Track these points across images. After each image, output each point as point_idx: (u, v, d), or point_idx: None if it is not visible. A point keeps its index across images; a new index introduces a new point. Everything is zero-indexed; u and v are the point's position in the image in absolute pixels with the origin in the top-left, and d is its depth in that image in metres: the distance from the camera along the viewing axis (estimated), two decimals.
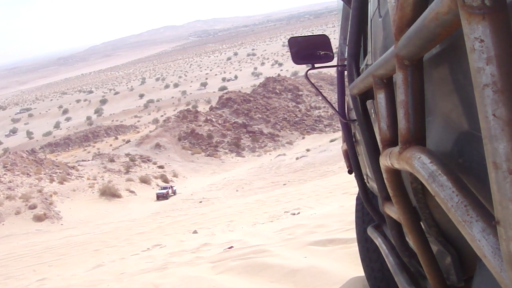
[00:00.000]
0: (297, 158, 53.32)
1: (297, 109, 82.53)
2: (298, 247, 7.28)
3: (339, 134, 65.30)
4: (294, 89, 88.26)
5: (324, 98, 3.63)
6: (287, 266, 6.01)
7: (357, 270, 5.19)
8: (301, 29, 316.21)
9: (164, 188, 50.22)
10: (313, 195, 21.19)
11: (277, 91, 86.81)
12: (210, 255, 8.76)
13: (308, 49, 3.76)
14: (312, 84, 3.64)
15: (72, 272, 12.56)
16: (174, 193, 49.38)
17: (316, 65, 3.65)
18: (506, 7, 0.79)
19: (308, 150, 57.82)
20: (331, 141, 59.25)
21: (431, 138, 1.56)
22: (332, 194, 19.30)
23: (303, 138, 73.21)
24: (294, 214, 15.73)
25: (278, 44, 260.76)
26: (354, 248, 6.18)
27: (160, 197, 47.90)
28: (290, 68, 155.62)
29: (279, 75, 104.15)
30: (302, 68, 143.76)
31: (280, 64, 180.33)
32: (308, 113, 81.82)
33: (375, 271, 3.92)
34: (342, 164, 40.90)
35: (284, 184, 40.72)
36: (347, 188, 19.03)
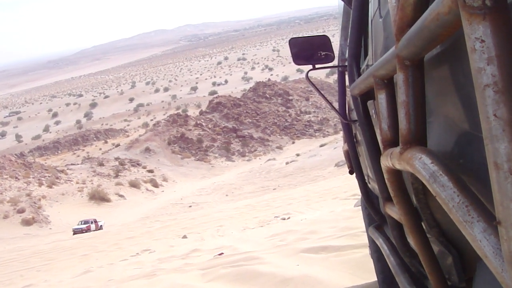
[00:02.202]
0: (287, 163, 53.38)
1: (287, 114, 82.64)
2: (290, 254, 7.14)
3: (329, 139, 65.57)
4: (284, 93, 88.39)
5: (325, 98, 3.60)
6: (280, 275, 5.86)
7: (352, 279, 5.08)
8: (292, 34, 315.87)
9: (85, 222, 39.21)
10: (303, 200, 21.17)
11: (267, 95, 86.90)
12: (200, 262, 8.63)
13: (308, 50, 3.68)
14: (313, 85, 3.56)
15: (59, 277, 12.43)
16: (101, 227, 38.93)
17: (316, 66, 3.56)
18: (507, 7, 0.79)
19: (298, 154, 57.96)
20: (321, 146, 59.42)
21: (432, 139, 1.56)
22: (322, 199, 19.27)
23: (293, 142, 73.29)
24: (284, 219, 15.67)
25: (269, 48, 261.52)
26: (348, 256, 6.08)
27: (78, 233, 36.39)
28: (280, 73, 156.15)
29: (269, 79, 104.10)
30: (292, 73, 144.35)
31: (271, 69, 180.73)
32: (298, 117, 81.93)
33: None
34: (332, 169, 41.13)
35: (274, 189, 40.70)
36: (337, 193, 19.01)
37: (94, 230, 37.57)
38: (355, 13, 2.66)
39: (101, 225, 39.39)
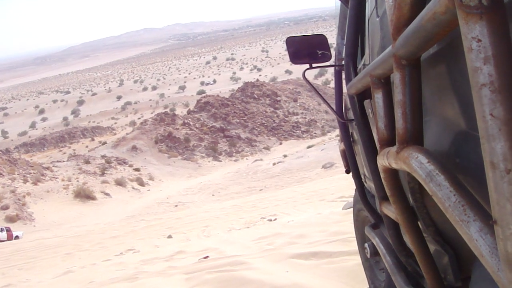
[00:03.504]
0: (274, 164, 53.25)
1: (275, 115, 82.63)
2: (279, 259, 6.92)
3: (317, 140, 65.67)
4: (273, 94, 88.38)
5: (321, 97, 3.63)
6: (268, 283, 5.61)
7: None
8: (281, 35, 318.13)
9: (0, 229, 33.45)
10: (289, 202, 21.06)
11: (255, 96, 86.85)
12: (184, 265, 8.39)
13: (305, 49, 3.64)
14: (310, 84, 3.60)
15: (40, 277, 12.21)
16: (16, 238, 33.05)
17: (313, 65, 3.54)
18: (503, 7, 0.80)
19: (285, 156, 57.84)
20: (308, 147, 59.40)
21: (429, 138, 1.59)
22: (309, 200, 19.18)
23: (280, 143, 73.26)
24: (270, 220, 15.57)
25: (258, 49, 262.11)
26: (340, 263, 5.88)
27: None
28: (268, 74, 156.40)
29: (257, 80, 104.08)
30: (281, 74, 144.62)
31: (259, 69, 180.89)
32: (286, 119, 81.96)
33: None
34: (319, 171, 41.12)
35: (261, 190, 40.57)
36: (324, 195, 18.96)
37: (5, 240, 31.80)
38: (352, 12, 2.68)
39: (16, 236, 33.72)
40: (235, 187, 46.20)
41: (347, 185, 15.98)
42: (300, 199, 20.83)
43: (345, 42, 2.76)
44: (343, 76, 2.92)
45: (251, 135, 75.46)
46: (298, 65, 3.70)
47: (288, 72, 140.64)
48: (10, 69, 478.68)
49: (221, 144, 71.83)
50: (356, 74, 2.54)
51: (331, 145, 50.08)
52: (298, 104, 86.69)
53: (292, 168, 47.80)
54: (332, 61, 3.83)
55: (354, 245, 6.03)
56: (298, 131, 78.19)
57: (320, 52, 3.56)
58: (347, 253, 6.12)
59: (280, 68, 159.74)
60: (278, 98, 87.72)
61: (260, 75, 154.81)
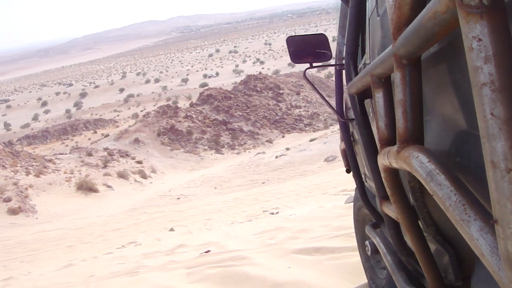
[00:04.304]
0: (276, 157, 53.19)
1: (278, 108, 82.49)
2: (281, 255, 6.87)
3: (319, 133, 65.62)
4: (275, 87, 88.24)
5: (322, 96, 3.60)
6: (270, 279, 5.54)
7: (350, 287, 4.87)
8: (284, 27, 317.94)
9: None
10: (292, 195, 21.01)
11: (258, 89, 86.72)
12: (185, 259, 8.35)
13: (306, 48, 3.68)
14: (310, 83, 3.57)
15: (41, 270, 12.18)
16: None
17: (314, 64, 3.56)
18: (504, 6, 0.80)
19: (287, 149, 57.78)
20: (311, 140, 59.34)
21: (429, 137, 1.58)
22: (312, 194, 19.13)
23: (283, 136, 73.13)
24: (273, 213, 15.54)
25: (261, 42, 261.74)
26: (344, 259, 5.82)
27: None
28: (271, 67, 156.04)
29: (260, 73, 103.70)
30: (284, 67, 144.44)
31: (262, 62, 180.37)
32: (289, 111, 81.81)
33: None
34: (322, 164, 41.11)
35: (263, 183, 40.51)
36: (327, 188, 18.92)
37: None
38: (353, 11, 2.70)
39: None
40: (238, 180, 46.15)
41: (350, 178, 15.90)
42: (303, 192, 20.79)
43: (345, 41, 2.75)
44: (344, 75, 2.92)
45: (254, 128, 75.38)
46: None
47: (290, 65, 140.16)
48: (12, 62, 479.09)
49: (224, 137, 71.75)
50: (356, 73, 2.55)
51: (333, 138, 50.06)
52: (301, 97, 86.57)
53: (295, 161, 47.75)
54: (332, 60, 3.86)
55: None
56: (300, 124, 78.08)
57: (321, 51, 3.59)
58: (350, 249, 6.05)
59: (283, 61, 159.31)
60: (281, 91, 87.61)
61: (263, 68, 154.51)
